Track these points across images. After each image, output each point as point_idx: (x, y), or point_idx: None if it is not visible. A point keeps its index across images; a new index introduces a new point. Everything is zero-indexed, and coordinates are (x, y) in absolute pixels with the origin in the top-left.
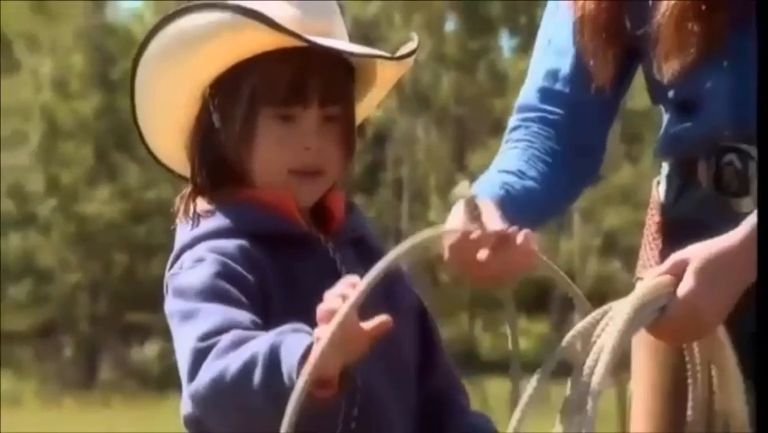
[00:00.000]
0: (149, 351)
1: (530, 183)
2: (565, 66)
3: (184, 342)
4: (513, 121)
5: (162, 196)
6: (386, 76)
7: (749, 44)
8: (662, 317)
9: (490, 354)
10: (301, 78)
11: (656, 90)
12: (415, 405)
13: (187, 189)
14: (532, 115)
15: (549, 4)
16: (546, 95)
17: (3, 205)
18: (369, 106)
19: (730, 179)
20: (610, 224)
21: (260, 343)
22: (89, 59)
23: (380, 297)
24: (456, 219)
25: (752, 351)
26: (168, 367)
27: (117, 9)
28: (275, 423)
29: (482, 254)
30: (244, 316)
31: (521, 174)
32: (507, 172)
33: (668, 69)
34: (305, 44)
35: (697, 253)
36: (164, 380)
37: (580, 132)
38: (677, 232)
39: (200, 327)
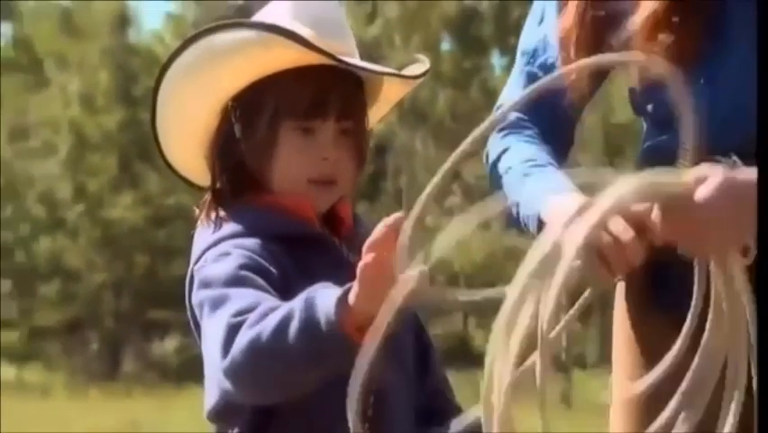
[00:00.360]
0: (168, 345)
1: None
2: (544, 76)
3: (217, 324)
4: (508, 116)
5: (181, 202)
6: (391, 93)
7: (725, 55)
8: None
9: (483, 348)
10: (322, 94)
11: (636, 102)
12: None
13: (208, 196)
14: (509, 123)
15: (533, 12)
16: (525, 106)
17: (34, 210)
18: (372, 121)
19: None
20: None
21: (294, 301)
22: (114, 77)
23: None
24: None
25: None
26: (185, 360)
27: (140, 30)
28: (312, 377)
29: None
30: (272, 299)
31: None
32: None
33: (642, 82)
34: (329, 62)
35: (720, 169)
36: (182, 372)
37: (553, 141)
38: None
39: (233, 306)
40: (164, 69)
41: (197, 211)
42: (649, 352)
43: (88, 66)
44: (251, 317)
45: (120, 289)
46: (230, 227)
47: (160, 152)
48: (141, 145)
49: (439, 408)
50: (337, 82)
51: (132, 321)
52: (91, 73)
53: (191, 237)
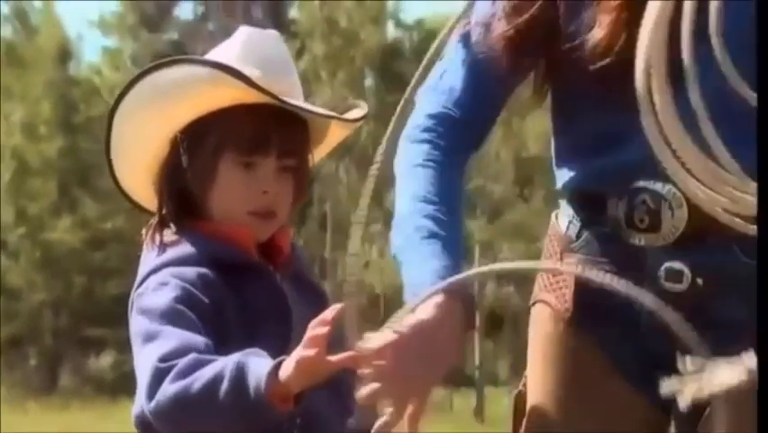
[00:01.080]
0: (104, 361)
1: (446, 221)
2: (458, 94)
3: (145, 361)
4: (410, 134)
5: (117, 226)
6: (335, 133)
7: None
8: None
9: None
10: (263, 132)
11: (571, 122)
12: (347, 414)
13: (154, 220)
14: (428, 133)
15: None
16: (444, 120)
17: None
18: (316, 158)
19: (642, 217)
20: (505, 255)
21: (225, 362)
22: (55, 107)
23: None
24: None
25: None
26: (120, 375)
27: (80, 63)
28: None
29: None
30: (199, 340)
31: (437, 205)
32: (425, 202)
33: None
34: (272, 101)
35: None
36: (117, 386)
37: (476, 127)
38: (582, 262)
39: (160, 348)
40: (118, 100)
41: (144, 234)
42: (564, 369)
43: (31, 96)
44: (180, 366)
45: (58, 307)
46: (172, 252)
47: (113, 177)
48: (80, 172)
49: None
50: (280, 121)
51: (69, 338)
52: (34, 103)
53: (126, 259)
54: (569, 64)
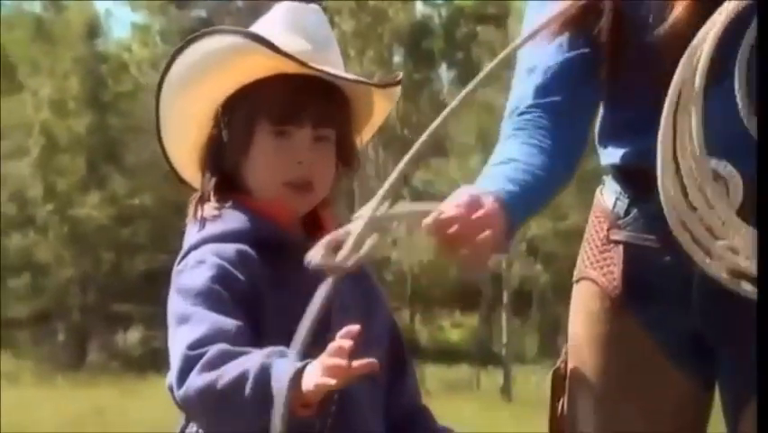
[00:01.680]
0: (131, 337)
1: (523, 164)
2: (552, 79)
3: (177, 345)
4: (505, 124)
5: (145, 203)
6: (380, 108)
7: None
8: None
9: (427, 343)
10: (297, 101)
11: (621, 99)
12: (382, 410)
13: (197, 195)
14: (524, 112)
15: (524, 34)
16: (536, 99)
17: (6, 208)
18: (369, 133)
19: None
20: (533, 232)
21: (250, 361)
22: (83, 83)
23: (359, 300)
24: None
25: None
26: (148, 351)
27: (108, 39)
28: (254, 431)
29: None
30: (230, 324)
31: (513, 159)
32: (502, 163)
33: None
34: (306, 70)
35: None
36: (144, 362)
37: (561, 134)
38: (630, 243)
39: (191, 334)
40: (162, 79)
41: (190, 206)
42: (610, 348)
43: (59, 72)
44: (207, 357)
45: (86, 283)
46: (212, 227)
47: (165, 157)
48: (109, 148)
49: (412, 415)
50: (314, 90)
51: (97, 314)
52: (62, 79)
53: (154, 235)
54: (628, 45)
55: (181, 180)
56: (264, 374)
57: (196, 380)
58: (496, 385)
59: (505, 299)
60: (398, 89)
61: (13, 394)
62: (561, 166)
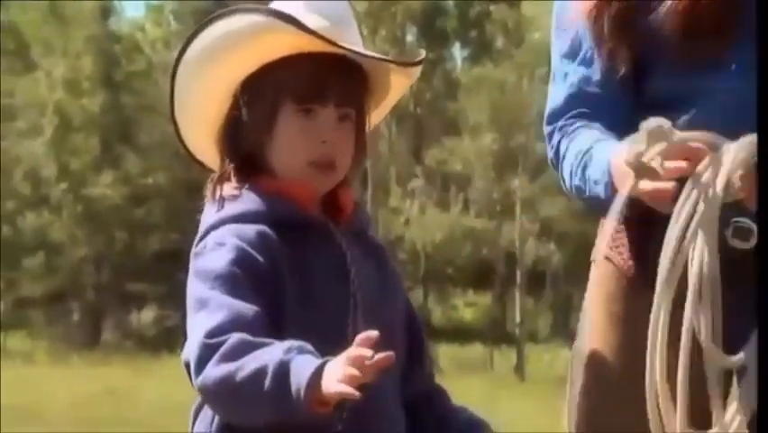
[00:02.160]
0: (145, 316)
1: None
2: (593, 71)
3: (195, 330)
4: (557, 125)
5: (159, 182)
6: (397, 86)
7: (752, 41)
8: None
9: (441, 322)
10: (321, 79)
11: (646, 85)
12: (400, 390)
13: (216, 175)
14: (572, 113)
15: (554, 20)
16: (581, 98)
17: (20, 188)
18: (382, 112)
19: None
20: (546, 212)
21: (270, 355)
22: (97, 62)
23: (374, 282)
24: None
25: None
26: (162, 330)
27: (121, 19)
28: (270, 423)
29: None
30: (250, 309)
31: (611, 140)
32: (602, 140)
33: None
34: (329, 48)
35: None
36: (158, 341)
37: (616, 124)
38: (648, 221)
39: (209, 321)
40: (179, 57)
41: (207, 188)
42: (627, 327)
43: (73, 52)
44: (225, 347)
45: (100, 262)
46: (231, 208)
47: (179, 137)
48: (122, 127)
49: (428, 396)
50: (338, 69)
51: (111, 293)
52: (75, 58)
53: (167, 214)
54: (643, 31)
55: (195, 160)
56: (283, 370)
57: (215, 370)
58: (509, 364)
59: (518, 278)
60: (419, 68)
61: (27, 373)
62: None
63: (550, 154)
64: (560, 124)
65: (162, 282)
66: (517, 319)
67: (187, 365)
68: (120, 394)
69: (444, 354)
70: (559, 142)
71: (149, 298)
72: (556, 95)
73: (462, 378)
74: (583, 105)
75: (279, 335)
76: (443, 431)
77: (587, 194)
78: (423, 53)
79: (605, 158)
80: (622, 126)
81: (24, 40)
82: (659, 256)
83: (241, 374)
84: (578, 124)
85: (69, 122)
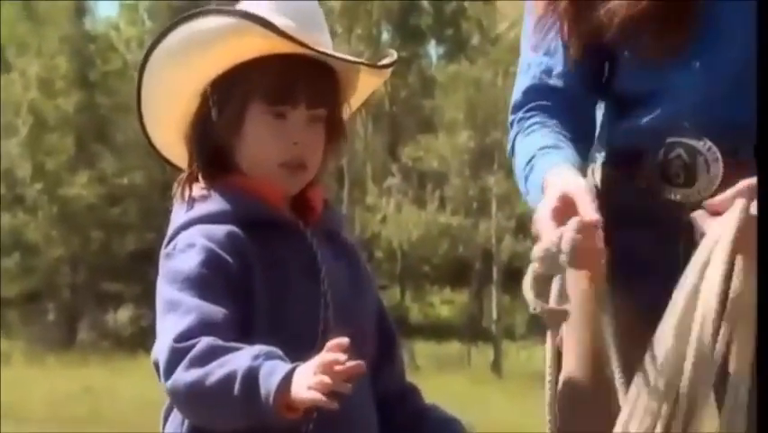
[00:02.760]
0: (121, 316)
1: (571, 149)
2: (556, 63)
3: (164, 333)
4: (516, 116)
5: (134, 181)
6: (366, 85)
7: (721, 43)
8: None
9: (418, 320)
10: (292, 81)
11: (612, 80)
12: (371, 392)
13: (185, 175)
14: (532, 105)
15: (525, 14)
16: (542, 90)
17: None
18: (353, 107)
19: (678, 171)
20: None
21: (238, 361)
22: (71, 62)
23: (345, 281)
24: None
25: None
26: (138, 330)
27: (95, 18)
28: (239, 428)
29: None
30: (219, 312)
31: (561, 144)
32: (549, 147)
33: (635, 60)
34: (301, 50)
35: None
36: (135, 341)
37: (575, 119)
38: (616, 217)
39: (178, 324)
40: (147, 54)
41: (175, 188)
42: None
43: (47, 51)
44: (194, 352)
45: (76, 262)
46: (201, 208)
47: (143, 130)
48: (97, 127)
49: (400, 394)
50: (309, 71)
51: (87, 293)
52: (50, 58)
53: (143, 214)
54: (605, 28)
55: (164, 159)
56: (252, 376)
57: (184, 375)
58: (486, 361)
59: (495, 275)
60: (390, 69)
61: (4, 374)
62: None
63: (508, 147)
64: (519, 116)
65: (138, 282)
66: (494, 316)
67: (156, 365)
68: (97, 393)
69: (422, 352)
70: (515, 137)
71: (125, 297)
72: (519, 86)
73: (440, 375)
74: (543, 97)
75: (250, 335)
76: (415, 429)
77: (529, 203)
78: (394, 54)
79: (540, 176)
80: (581, 120)
81: None
82: (629, 255)
83: (210, 380)
84: (534, 119)
85: (44, 122)
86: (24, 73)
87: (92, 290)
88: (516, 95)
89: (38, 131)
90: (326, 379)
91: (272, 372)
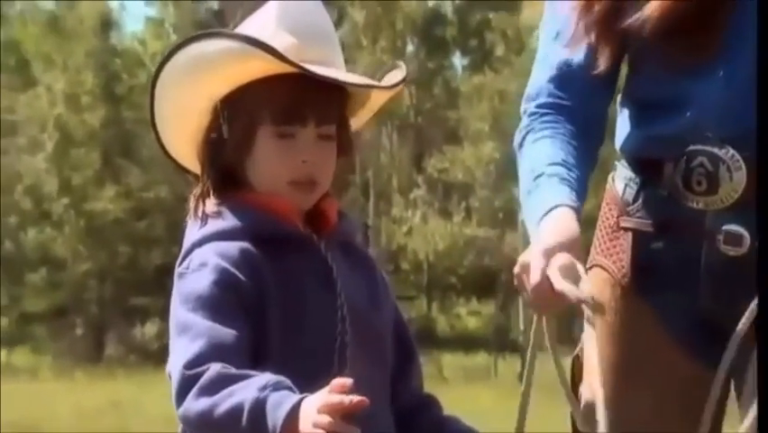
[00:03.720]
0: (148, 330)
1: (576, 172)
2: (575, 55)
3: (176, 357)
4: (529, 108)
5: (160, 195)
6: (377, 98)
7: (744, 51)
8: None
9: (445, 331)
10: (299, 101)
11: (635, 88)
12: (388, 402)
13: (197, 190)
14: (546, 101)
15: (546, 11)
16: (558, 83)
17: (22, 203)
18: (359, 122)
19: (700, 179)
20: None
21: (246, 392)
22: (97, 77)
23: (362, 293)
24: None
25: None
26: (165, 344)
27: (121, 33)
28: None
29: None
30: (230, 335)
31: (567, 164)
32: (557, 165)
33: (633, 66)
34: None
35: None
36: (162, 355)
37: (589, 114)
38: (639, 230)
39: (188, 349)
40: (158, 71)
41: (189, 204)
42: (621, 336)
43: (73, 66)
44: (204, 380)
45: (103, 277)
46: (214, 225)
47: (159, 142)
48: (123, 142)
49: (419, 405)
50: (317, 89)
51: (114, 307)
52: (76, 73)
53: (170, 228)
54: (632, 37)
55: (184, 170)
56: (259, 408)
57: (195, 404)
58: (513, 372)
59: None
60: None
61: (32, 388)
62: (587, 160)
63: (517, 136)
64: (532, 108)
65: (165, 296)
66: (521, 327)
67: (170, 376)
68: (124, 408)
69: (449, 364)
70: (526, 134)
71: (152, 311)
72: (535, 76)
73: (467, 386)
74: (558, 91)
75: (266, 353)
76: None
77: (524, 219)
78: (403, 68)
79: (540, 209)
80: (594, 119)
81: (24, 55)
82: (653, 263)
83: (218, 411)
84: (547, 123)
85: (70, 137)
86: (50, 88)
87: (119, 305)
88: (531, 85)
89: (64, 146)
90: (327, 420)
91: (279, 404)
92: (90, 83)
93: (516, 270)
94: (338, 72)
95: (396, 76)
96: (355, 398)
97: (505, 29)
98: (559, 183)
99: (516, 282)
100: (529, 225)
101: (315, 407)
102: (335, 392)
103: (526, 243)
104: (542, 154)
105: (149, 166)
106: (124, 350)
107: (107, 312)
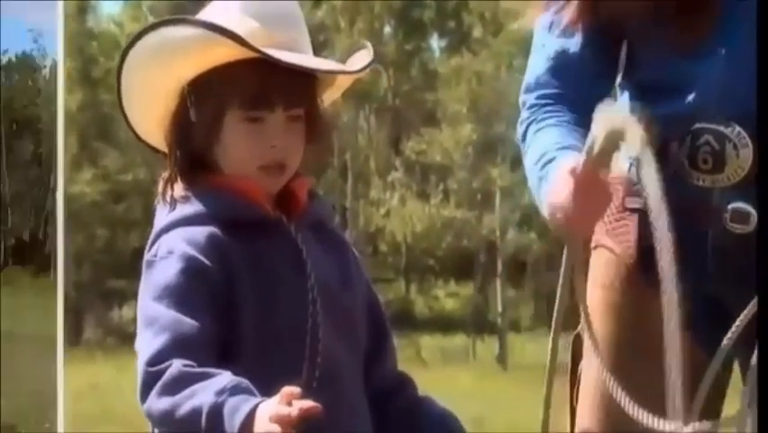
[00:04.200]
0: (126, 313)
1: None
2: (573, 45)
3: (140, 351)
4: (528, 99)
5: (138, 178)
6: (345, 78)
7: (740, 28)
8: None
9: (423, 313)
10: (266, 86)
11: (635, 71)
12: (362, 379)
13: (166, 174)
14: (546, 92)
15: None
16: (557, 72)
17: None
18: (328, 101)
19: (706, 157)
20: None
21: (204, 396)
22: (74, 60)
23: (334, 274)
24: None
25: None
26: None
27: (98, 16)
28: None
29: None
30: (194, 328)
31: (578, 148)
32: (567, 148)
33: (634, 50)
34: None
35: None
36: None
37: (591, 102)
38: (645, 210)
39: (152, 344)
40: (124, 54)
41: (159, 186)
42: (625, 316)
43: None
44: (165, 378)
45: (81, 259)
46: (182, 210)
47: (128, 123)
48: (100, 125)
49: (393, 386)
50: (283, 73)
51: (92, 290)
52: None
53: (147, 211)
54: (633, 18)
55: (156, 150)
56: (216, 413)
57: (157, 403)
58: (492, 354)
59: (499, 268)
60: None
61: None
62: None
63: (519, 129)
64: (531, 100)
65: None
66: (499, 309)
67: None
68: (103, 390)
69: (427, 345)
70: (528, 125)
71: (129, 294)
72: (533, 66)
73: (446, 368)
74: (557, 80)
75: (238, 339)
76: (408, 421)
77: (538, 203)
78: (370, 50)
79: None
80: (596, 105)
81: None
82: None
83: (179, 412)
84: (548, 113)
85: None
86: None
87: (97, 288)
88: (529, 75)
89: None
90: (278, 429)
91: (236, 409)
92: (67, 65)
93: (548, 210)
94: (303, 57)
95: (363, 57)
96: (305, 405)
97: (482, 11)
98: (574, 152)
99: (553, 216)
100: (544, 209)
101: (266, 416)
102: (285, 402)
103: (504, 225)
104: (550, 141)
105: (126, 149)
106: (102, 333)
107: (85, 295)
